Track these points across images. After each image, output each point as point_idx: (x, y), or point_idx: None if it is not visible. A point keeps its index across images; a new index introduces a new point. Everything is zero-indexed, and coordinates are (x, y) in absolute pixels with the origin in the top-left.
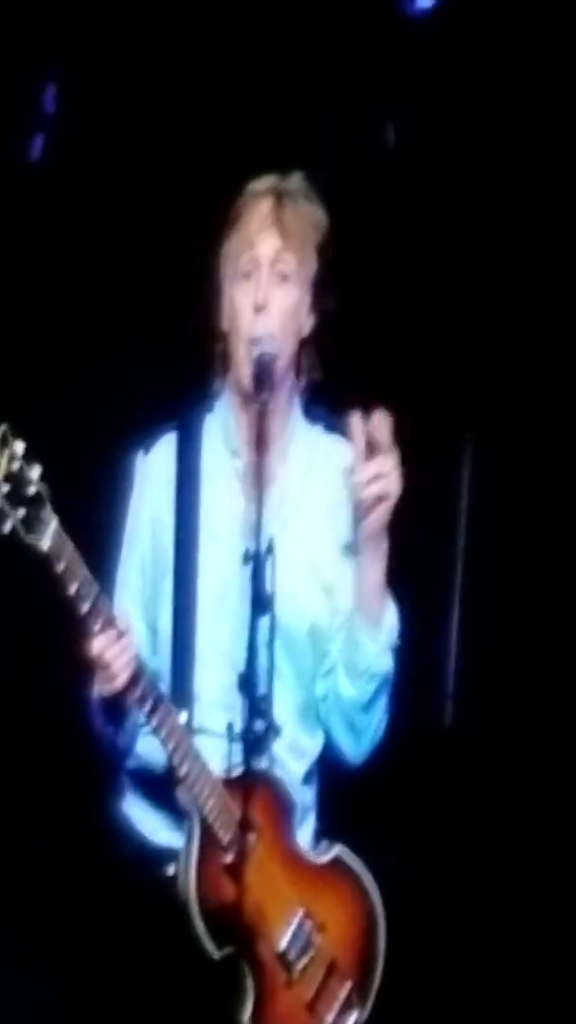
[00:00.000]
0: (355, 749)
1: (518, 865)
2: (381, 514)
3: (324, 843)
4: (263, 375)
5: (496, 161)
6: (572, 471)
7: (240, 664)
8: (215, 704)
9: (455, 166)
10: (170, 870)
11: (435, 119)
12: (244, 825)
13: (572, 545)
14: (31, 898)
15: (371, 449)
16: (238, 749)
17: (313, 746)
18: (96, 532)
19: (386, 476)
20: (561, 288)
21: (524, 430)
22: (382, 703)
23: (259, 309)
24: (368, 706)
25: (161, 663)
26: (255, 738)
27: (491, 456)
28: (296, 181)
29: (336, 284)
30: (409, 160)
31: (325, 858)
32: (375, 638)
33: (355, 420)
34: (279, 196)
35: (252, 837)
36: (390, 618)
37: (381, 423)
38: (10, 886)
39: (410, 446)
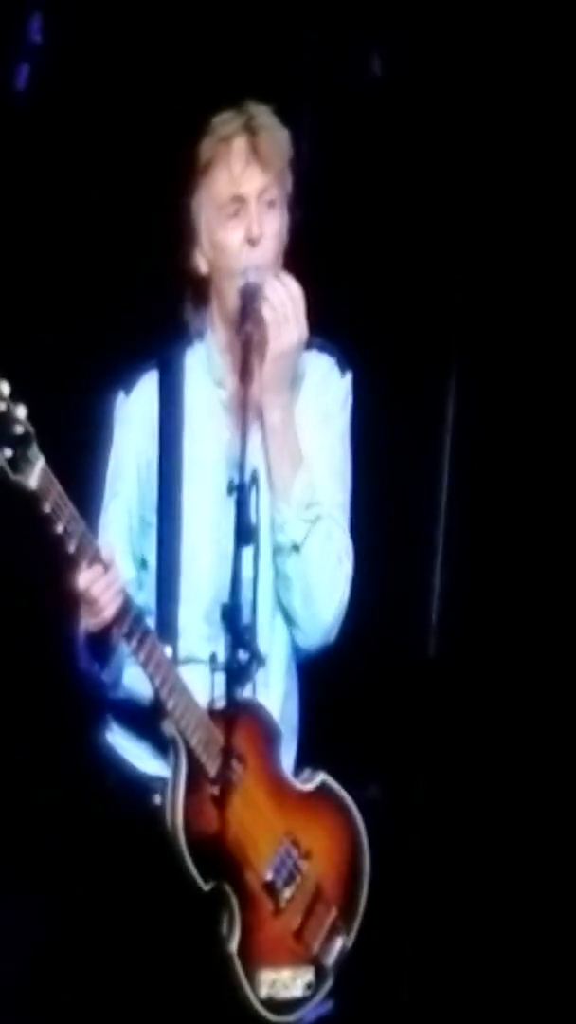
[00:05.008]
0: (300, 636)
1: (501, 794)
2: (280, 362)
3: (308, 770)
4: (248, 305)
5: (483, 90)
6: (555, 400)
7: (224, 595)
8: (200, 635)
9: (441, 96)
10: (156, 799)
11: (421, 49)
12: (229, 756)
13: (556, 478)
14: (17, 829)
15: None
16: (222, 679)
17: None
18: (80, 470)
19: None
20: (546, 219)
21: (508, 362)
22: (305, 584)
23: (254, 242)
24: (287, 583)
25: (149, 598)
26: (239, 668)
27: (475, 389)
28: (258, 110)
29: (309, 198)
30: (395, 90)
31: (310, 785)
32: (282, 508)
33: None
34: (252, 131)
35: (238, 767)
36: (300, 489)
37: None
38: None
39: (396, 380)
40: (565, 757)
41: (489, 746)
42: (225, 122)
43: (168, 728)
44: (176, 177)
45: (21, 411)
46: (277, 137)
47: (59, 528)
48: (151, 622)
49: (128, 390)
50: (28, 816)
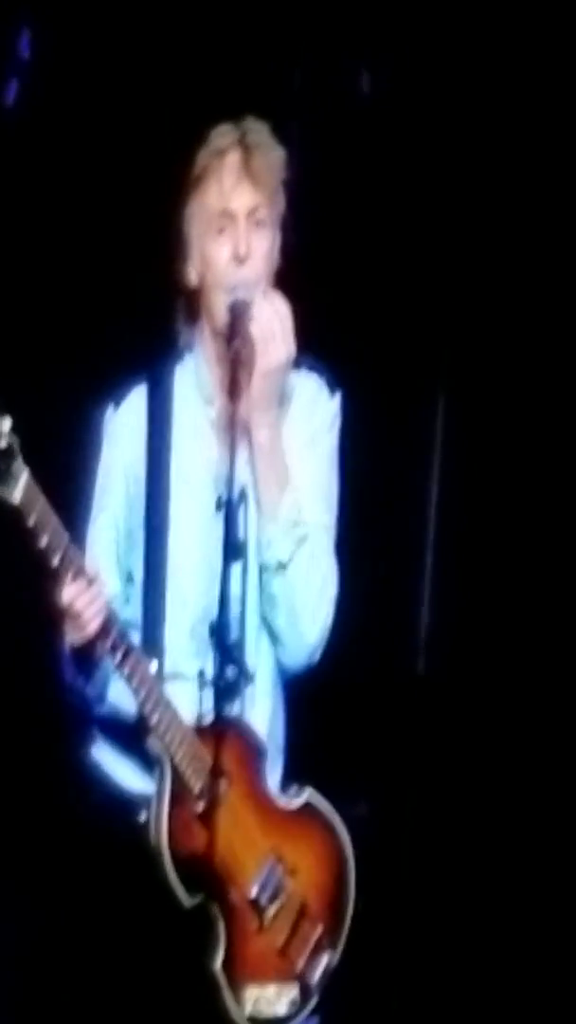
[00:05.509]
0: (284, 655)
1: (489, 811)
2: (268, 380)
3: (294, 787)
4: (237, 322)
5: (475, 110)
6: (543, 420)
7: (211, 611)
8: (186, 651)
9: (432, 116)
10: (142, 816)
11: (410, 67)
12: (215, 772)
13: (544, 494)
14: (1, 845)
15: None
16: (209, 695)
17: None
18: (66, 484)
19: (281, 327)
20: (535, 238)
21: (498, 383)
22: (290, 603)
23: (241, 260)
24: (273, 601)
25: (135, 613)
26: (227, 685)
27: (464, 410)
28: (255, 127)
29: (298, 217)
30: (385, 110)
31: (296, 802)
32: (269, 527)
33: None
34: (246, 147)
35: (223, 784)
36: (287, 508)
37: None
38: None
39: (384, 401)
40: (555, 772)
41: (477, 763)
42: (221, 135)
43: (153, 744)
44: (170, 189)
45: (5, 423)
46: (271, 156)
47: (43, 542)
48: (137, 637)
49: (117, 404)
50: (13, 832)
